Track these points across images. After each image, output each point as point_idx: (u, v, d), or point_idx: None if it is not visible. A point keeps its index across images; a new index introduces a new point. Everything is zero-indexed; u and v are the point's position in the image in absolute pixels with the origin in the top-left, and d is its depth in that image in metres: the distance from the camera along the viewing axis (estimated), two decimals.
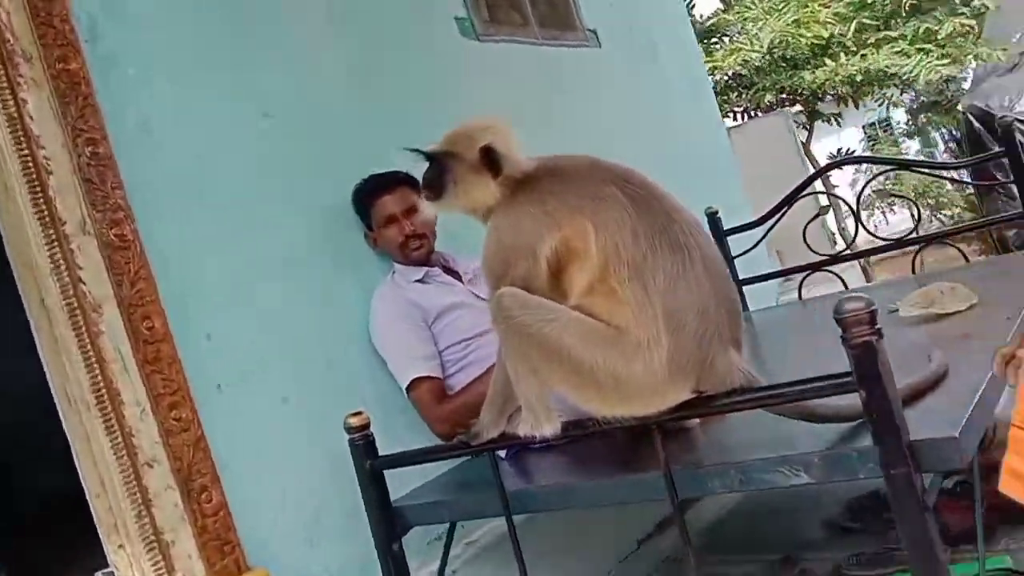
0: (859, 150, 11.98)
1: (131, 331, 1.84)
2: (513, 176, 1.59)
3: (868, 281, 5.66)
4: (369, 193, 2.41)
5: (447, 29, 3.14)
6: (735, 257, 3.26)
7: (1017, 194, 2.75)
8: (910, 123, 11.99)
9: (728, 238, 3.36)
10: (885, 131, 14.41)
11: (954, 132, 9.27)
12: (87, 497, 1.85)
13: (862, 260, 3.17)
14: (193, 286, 2.03)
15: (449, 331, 2.31)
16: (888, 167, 3.13)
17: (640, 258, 1.44)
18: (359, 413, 1.93)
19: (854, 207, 3.13)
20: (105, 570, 1.94)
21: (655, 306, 1.42)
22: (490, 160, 1.59)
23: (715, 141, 4.81)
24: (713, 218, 3.38)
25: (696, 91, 4.78)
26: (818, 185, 3.29)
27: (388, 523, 1.95)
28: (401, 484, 1.98)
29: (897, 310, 2.50)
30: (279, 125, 2.34)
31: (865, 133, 14.41)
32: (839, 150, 9.97)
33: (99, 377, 1.81)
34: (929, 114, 10.08)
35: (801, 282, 3.32)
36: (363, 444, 1.91)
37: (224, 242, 2.13)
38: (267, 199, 2.26)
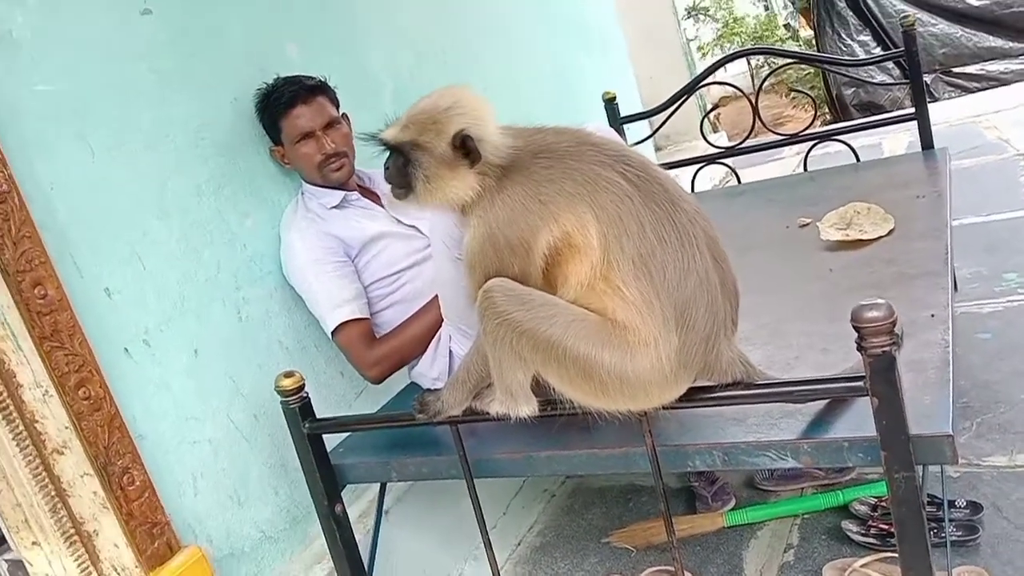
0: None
1: (21, 302, 1.55)
2: (493, 162, 1.39)
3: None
4: (280, 105, 2.06)
5: None
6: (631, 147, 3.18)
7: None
8: None
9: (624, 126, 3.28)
10: None
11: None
12: None
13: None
14: (82, 235, 1.72)
15: (375, 265, 2.09)
16: (790, 60, 3.05)
17: (648, 251, 1.32)
18: (291, 374, 1.75)
19: (753, 100, 3.09)
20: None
21: (664, 303, 1.32)
22: (465, 149, 1.38)
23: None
24: (611, 104, 3.27)
25: None
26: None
27: (328, 483, 1.83)
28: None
29: (808, 224, 2.55)
30: (161, 22, 1.96)
31: None
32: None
33: None
34: None
35: (696, 173, 3.31)
36: (298, 407, 1.76)
37: (108, 177, 1.80)
38: (152, 117, 1.92)
